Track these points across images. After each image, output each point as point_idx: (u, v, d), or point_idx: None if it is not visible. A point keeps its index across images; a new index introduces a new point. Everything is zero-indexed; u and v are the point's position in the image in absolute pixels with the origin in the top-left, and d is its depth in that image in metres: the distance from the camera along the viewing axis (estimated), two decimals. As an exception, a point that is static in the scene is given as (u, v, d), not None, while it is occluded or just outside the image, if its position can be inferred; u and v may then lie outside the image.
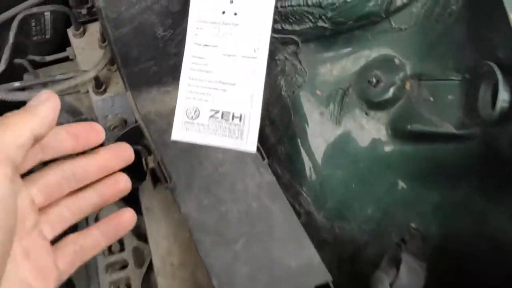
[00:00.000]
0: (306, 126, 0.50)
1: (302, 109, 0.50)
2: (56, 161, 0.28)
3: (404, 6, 0.44)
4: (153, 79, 0.49)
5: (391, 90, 0.46)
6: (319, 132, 0.50)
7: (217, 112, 0.42)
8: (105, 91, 0.57)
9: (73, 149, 0.27)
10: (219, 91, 0.41)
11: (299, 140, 0.51)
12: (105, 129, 0.64)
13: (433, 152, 0.46)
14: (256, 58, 0.40)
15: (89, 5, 0.64)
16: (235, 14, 0.39)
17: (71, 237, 0.28)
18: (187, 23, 0.41)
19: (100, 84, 0.56)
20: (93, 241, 0.29)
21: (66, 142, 0.27)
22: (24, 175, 0.26)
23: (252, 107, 0.42)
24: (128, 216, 0.30)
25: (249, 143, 0.42)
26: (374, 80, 0.47)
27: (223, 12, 0.40)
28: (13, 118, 0.24)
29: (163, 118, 0.51)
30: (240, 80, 0.40)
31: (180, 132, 0.42)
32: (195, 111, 0.41)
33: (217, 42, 0.40)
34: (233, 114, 0.42)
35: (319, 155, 0.50)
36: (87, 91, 0.57)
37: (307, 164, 0.50)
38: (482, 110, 0.38)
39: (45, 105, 0.25)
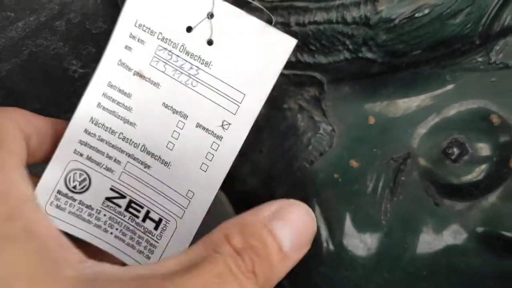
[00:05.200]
0: (332, 217, 0.31)
1: (327, 191, 0.30)
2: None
3: (517, 25, 0.25)
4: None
5: (482, 169, 0.27)
6: (355, 229, 0.30)
7: (120, 197, 0.22)
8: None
9: None
10: (136, 163, 0.22)
11: (320, 238, 0.31)
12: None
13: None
14: (221, 138, 0.21)
15: None
16: (210, 42, 0.20)
17: None
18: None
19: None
20: None
21: None
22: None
23: (188, 216, 0.23)
24: None
25: None
26: (454, 150, 0.27)
27: (189, 29, 0.20)
28: None
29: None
30: (179, 162, 0.21)
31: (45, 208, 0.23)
32: (83, 179, 0.22)
33: (161, 79, 0.21)
34: (148, 211, 0.23)
35: (354, 266, 0.30)
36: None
37: (334, 279, 0.31)
38: None
39: None
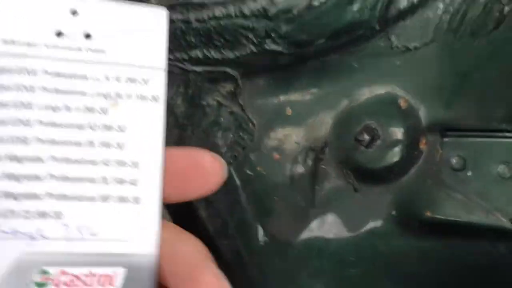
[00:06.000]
0: (261, 210, 0.31)
1: (254, 184, 0.31)
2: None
3: (413, 9, 0.25)
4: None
5: (395, 153, 0.27)
6: (283, 220, 0.31)
7: None
8: None
9: None
10: None
11: (251, 231, 0.31)
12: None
13: (470, 254, 0.27)
14: None
15: None
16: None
17: None
18: None
19: None
20: None
21: None
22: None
23: None
24: None
25: None
26: (365, 136, 0.28)
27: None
28: None
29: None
30: None
31: None
32: None
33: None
34: None
35: (285, 256, 0.31)
36: None
37: (268, 269, 0.31)
38: None
39: None
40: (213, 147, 0.32)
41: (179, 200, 0.20)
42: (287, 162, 0.30)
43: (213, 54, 0.27)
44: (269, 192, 0.31)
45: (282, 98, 0.29)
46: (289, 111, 0.30)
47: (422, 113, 0.27)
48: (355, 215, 0.29)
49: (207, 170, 0.20)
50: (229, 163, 0.31)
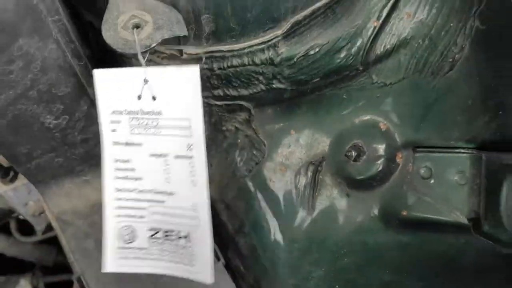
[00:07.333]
0: (271, 212, 0.38)
1: (264, 192, 0.38)
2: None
3: (387, 54, 0.32)
4: (61, 171, 0.37)
5: (377, 165, 0.34)
6: (289, 220, 0.38)
7: (157, 231, 0.30)
8: (15, 177, 0.45)
9: None
10: (154, 203, 0.29)
11: (264, 230, 0.39)
12: (28, 216, 0.51)
13: (438, 245, 0.34)
14: (192, 157, 0.28)
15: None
16: (154, 98, 0.27)
17: None
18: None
19: (6, 171, 0.43)
20: None
21: None
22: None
23: (201, 221, 0.30)
24: None
25: (201, 270, 0.30)
26: (353, 153, 0.35)
27: (139, 97, 0.27)
28: None
29: (83, 218, 0.39)
30: (178, 188, 0.29)
31: (115, 262, 0.30)
32: (130, 232, 0.30)
33: (140, 139, 0.28)
34: (178, 232, 0.30)
35: (291, 250, 0.38)
36: (-11, 179, 0.45)
37: (277, 261, 0.39)
38: (508, 219, 0.27)
39: None
40: (231, 163, 0.39)
41: None
42: (292, 174, 0.37)
43: (231, 92, 0.34)
44: (278, 198, 0.38)
45: (287, 123, 0.37)
46: (292, 132, 0.37)
47: (398, 134, 0.34)
48: (347, 215, 0.36)
49: None
50: (245, 176, 0.39)
